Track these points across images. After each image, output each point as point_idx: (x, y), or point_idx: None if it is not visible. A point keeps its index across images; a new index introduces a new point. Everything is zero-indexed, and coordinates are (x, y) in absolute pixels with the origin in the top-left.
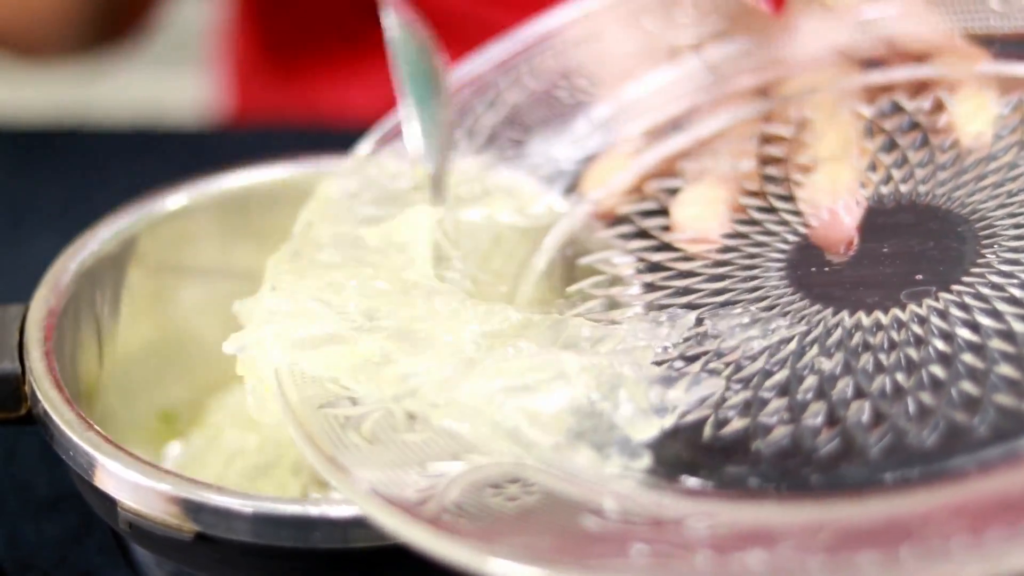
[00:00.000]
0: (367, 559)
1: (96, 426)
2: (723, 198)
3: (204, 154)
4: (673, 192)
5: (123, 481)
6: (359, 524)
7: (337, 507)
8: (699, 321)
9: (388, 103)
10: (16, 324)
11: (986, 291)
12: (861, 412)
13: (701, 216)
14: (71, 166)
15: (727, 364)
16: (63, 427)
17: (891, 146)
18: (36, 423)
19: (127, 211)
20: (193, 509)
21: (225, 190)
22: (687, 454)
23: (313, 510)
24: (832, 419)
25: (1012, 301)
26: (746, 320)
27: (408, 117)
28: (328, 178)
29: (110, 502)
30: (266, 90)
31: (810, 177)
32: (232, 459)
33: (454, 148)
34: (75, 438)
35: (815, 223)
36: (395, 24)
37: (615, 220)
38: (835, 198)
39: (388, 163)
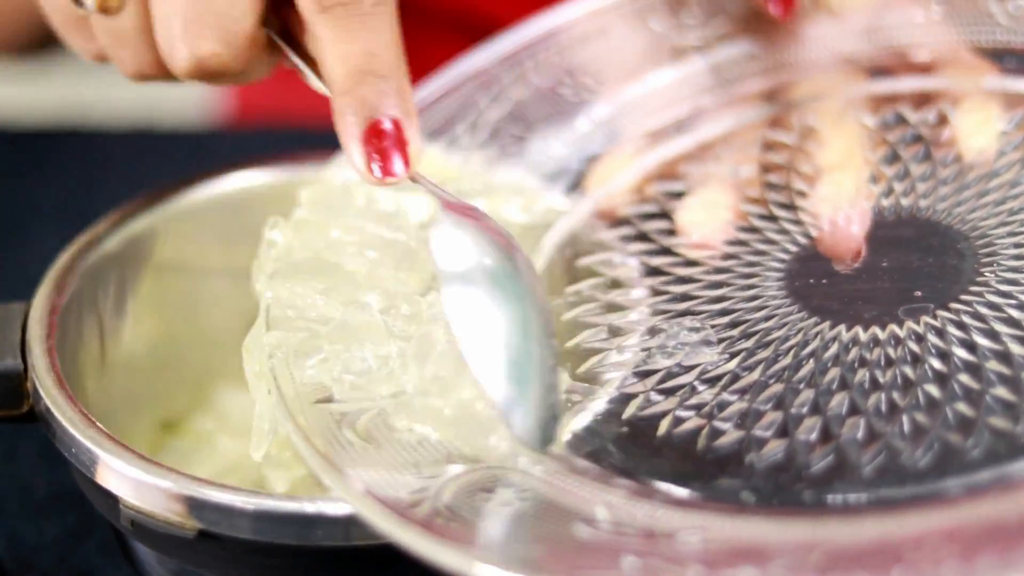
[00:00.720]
0: (369, 556)
1: (98, 423)
2: (728, 204)
3: (204, 154)
4: (674, 195)
5: (125, 478)
6: (361, 522)
7: (339, 505)
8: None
9: None
10: (18, 322)
11: (984, 311)
12: (856, 429)
13: (706, 221)
14: (71, 166)
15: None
16: (65, 424)
17: (894, 158)
18: (38, 420)
19: (129, 210)
20: (196, 506)
21: (225, 190)
22: (681, 464)
23: (315, 507)
24: (826, 435)
25: (1009, 322)
26: (695, 339)
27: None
28: (325, 171)
29: (112, 499)
30: (266, 90)
31: (816, 185)
32: (229, 471)
33: (556, 390)
34: (77, 435)
35: (823, 232)
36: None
37: (616, 221)
38: (843, 207)
39: None
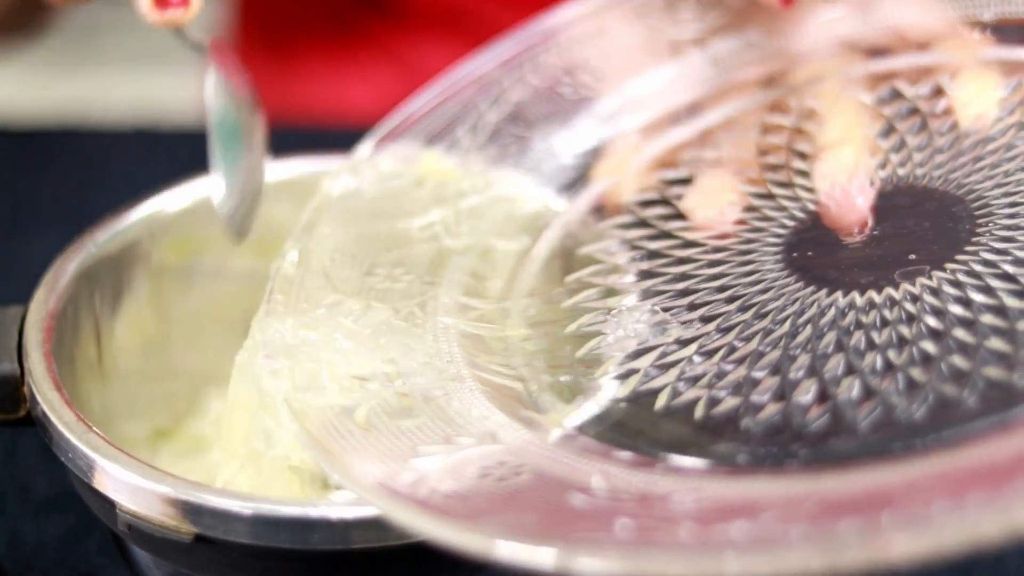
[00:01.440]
0: (366, 560)
1: (95, 428)
2: (733, 188)
3: (204, 154)
4: (674, 182)
5: (122, 483)
6: (358, 525)
7: (336, 508)
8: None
9: (388, 103)
10: (15, 325)
11: (979, 268)
12: (851, 388)
13: (712, 205)
14: (71, 166)
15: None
16: (62, 429)
17: (889, 131)
18: (35, 425)
19: (127, 211)
20: (192, 511)
21: None
22: (679, 433)
23: (312, 511)
24: (823, 396)
25: (1005, 277)
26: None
27: (214, 163)
28: (328, 178)
29: (109, 504)
30: (266, 90)
31: (820, 160)
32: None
33: (257, 198)
34: (74, 440)
35: (827, 205)
36: (213, 79)
37: (616, 211)
38: (847, 179)
39: (387, 163)
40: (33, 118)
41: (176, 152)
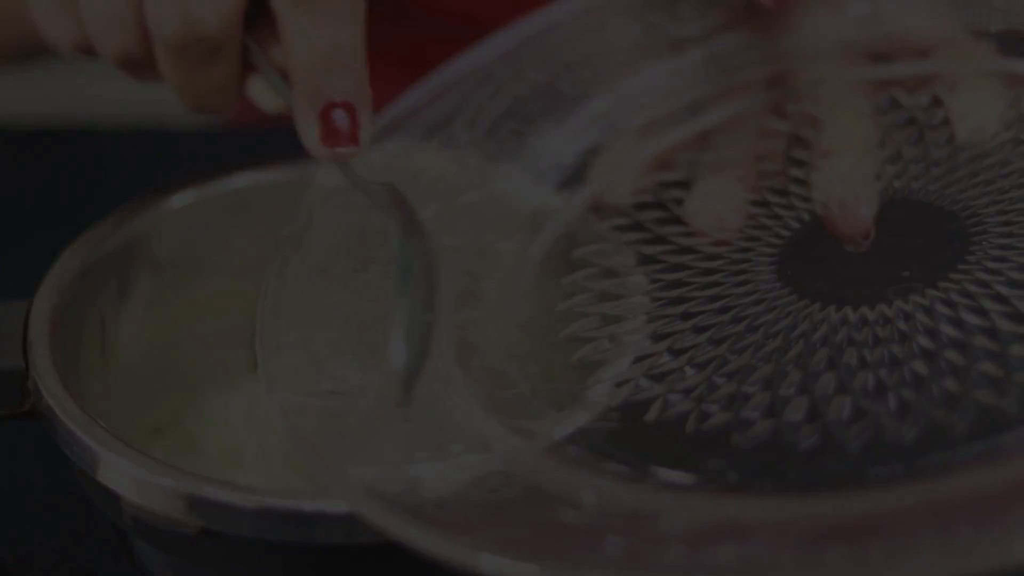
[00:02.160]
0: (371, 554)
1: (99, 421)
2: (736, 193)
3: (204, 154)
4: (671, 184)
5: (127, 476)
6: (360, 518)
7: (340, 503)
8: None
9: (386, 103)
10: (20, 320)
11: (972, 288)
12: (842, 408)
13: (716, 212)
14: (72, 166)
15: None
16: (67, 423)
17: (886, 141)
18: (39, 419)
19: (129, 210)
20: (197, 504)
21: (226, 190)
22: (669, 446)
23: (317, 505)
24: (813, 414)
25: (997, 298)
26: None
27: (395, 315)
28: (322, 171)
29: (114, 498)
30: None
31: (820, 167)
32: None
33: (429, 353)
34: (79, 433)
35: (831, 213)
36: (399, 228)
37: (613, 212)
38: (850, 188)
39: (382, 157)
40: (34, 118)
41: (176, 152)
